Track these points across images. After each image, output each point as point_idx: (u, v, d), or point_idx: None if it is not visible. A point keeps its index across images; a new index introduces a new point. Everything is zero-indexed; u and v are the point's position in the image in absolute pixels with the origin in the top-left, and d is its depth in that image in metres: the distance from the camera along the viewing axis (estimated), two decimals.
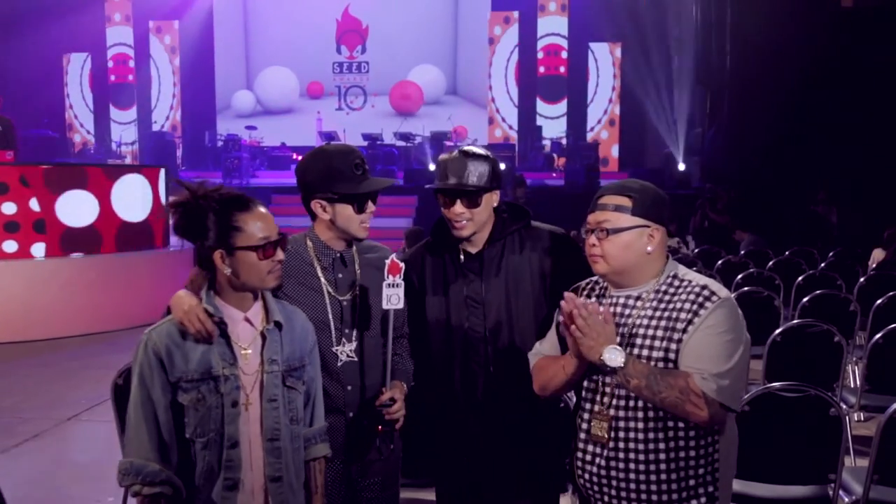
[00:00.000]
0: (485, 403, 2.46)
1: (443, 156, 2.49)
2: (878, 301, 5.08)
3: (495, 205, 2.47)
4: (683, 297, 2.01)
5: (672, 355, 1.97)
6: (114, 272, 8.60)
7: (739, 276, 6.40)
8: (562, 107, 17.46)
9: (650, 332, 2.02)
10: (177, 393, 1.95)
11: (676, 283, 2.06)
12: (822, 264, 7.52)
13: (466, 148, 2.48)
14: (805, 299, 5.24)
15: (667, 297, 2.04)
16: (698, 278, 2.06)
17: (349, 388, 2.38)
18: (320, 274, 2.39)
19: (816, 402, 2.88)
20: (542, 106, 17.51)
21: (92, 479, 4.44)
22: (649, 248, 2.04)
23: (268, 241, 1.97)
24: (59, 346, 7.70)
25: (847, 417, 3.54)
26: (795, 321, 4.49)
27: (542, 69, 17.56)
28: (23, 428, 5.24)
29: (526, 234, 2.51)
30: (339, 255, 2.42)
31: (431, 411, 2.53)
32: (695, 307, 1.98)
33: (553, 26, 17.45)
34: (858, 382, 4.67)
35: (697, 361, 1.94)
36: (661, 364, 1.98)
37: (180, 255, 9.36)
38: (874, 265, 7.38)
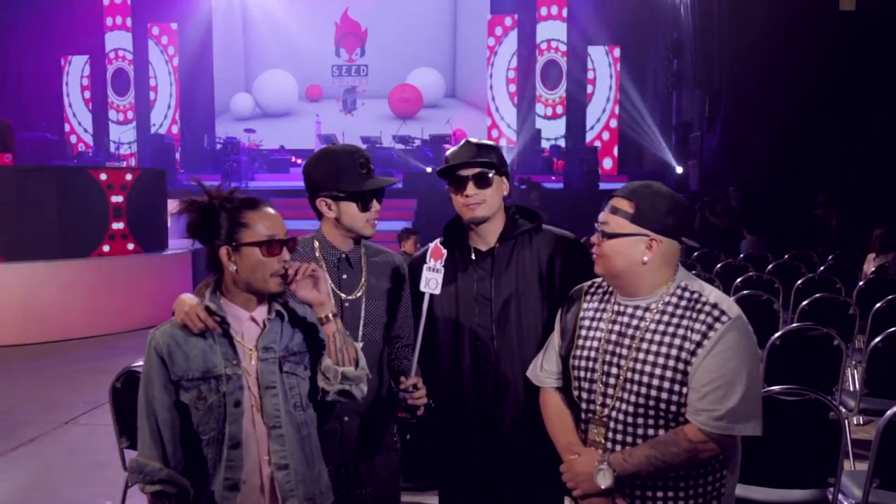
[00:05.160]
0: (494, 402, 2.46)
1: (449, 149, 2.52)
2: (878, 305, 5.09)
3: (505, 193, 2.49)
4: (693, 315, 1.96)
5: (679, 376, 1.93)
6: (113, 275, 8.61)
7: (739, 280, 6.41)
8: (561, 92, 17.41)
9: (655, 347, 1.98)
10: (179, 392, 1.97)
11: (687, 295, 2.00)
12: (822, 268, 7.52)
13: (471, 139, 2.54)
14: (804, 303, 5.24)
15: (678, 312, 1.99)
16: (710, 294, 2.00)
17: None
18: (325, 273, 2.39)
19: (816, 406, 2.87)
20: (541, 91, 17.48)
21: (90, 482, 4.42)
22: (645, 259, 1.98)
23: (272, 239, 2.00)
24: (58, 349, 7.69)
25: (846, 421, 3.53)
26: (795, 325, 4.48)
27: (541, 58, 17.47)
28: (21, 431, 5.23)
29: (537, 236, 2.51)
30: (344, 255, 2.43)
31: (439, 410, 2.52)
32: (704, 328, 1.93)
33: (552, 30, 17.44)
34: (858, 386, 4.66)
35: (703, 400, 1.91)
36: (667, 384, 1.94)
37: (179, 258, 9.36)
38: (873, 270, 7.37)
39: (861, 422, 4.99)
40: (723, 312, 1.94)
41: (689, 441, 1.91)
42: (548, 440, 2.22)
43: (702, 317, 1.95)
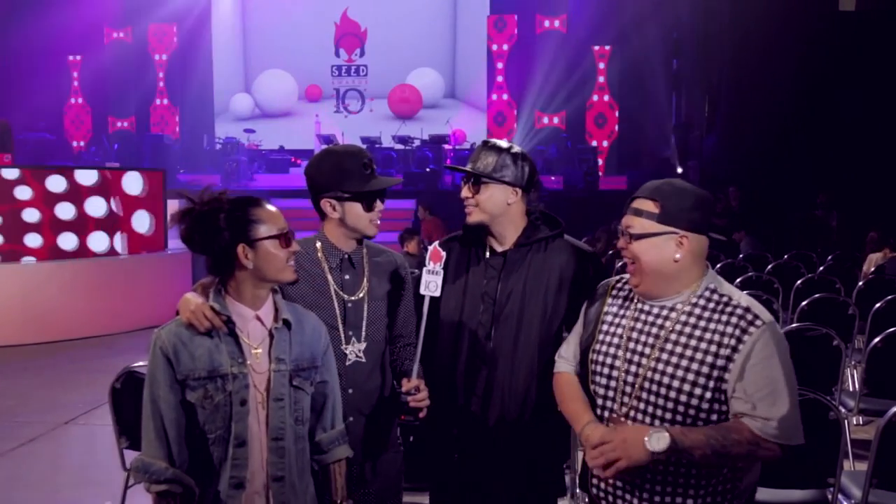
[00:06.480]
0: (482, 400, 2.46)
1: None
2: (877, 305, 5.09)
3: (510, 202, 2.46)
4: (724, 318, 1.94)
5: (712, 382, 1.90)
6: (112, 275, 8.60)
7: (738, 280, 6.40)
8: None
9: (680, 348, 1.95)
10: (185, 391, 1.98)
11: (716, 297, 1.98)
12: (821, 268, 7.52)
13: (489, 139, 2.56)
14: (804, 303, 5.24)
15: (706, 314, 1.96)
16: (740, 297, 1.98)
17: (350, 391, 2.37)
18: (328, 274, 2.40)
19: (815, 406, 2.87)
20: (540, 82, 17.34)
21: (89, 483, 4.42)
22: (677, 256, 1.96)
23: (285, 231, 2.04)
24: (57, 349, 7.69)
25: (846, 421, 3.54)
26: (794, 325, 4.49)
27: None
28: (19, 432, 5.23)
29: (554, 245, 2.50)
30: (346, 255, 2.44)
31: (432, 403, 2.52)
32: (738, 332, 1.90)
33: (552, 37, 17.33)
34: (857, 386, 4.67)
35: (755, 409, 1.88)
36: (687, 386, 1.91)
37: (178, 258, 9.35)
38: (873, 270, 7.38)
39: (861, 422, 4.99)
40: (756, 316, 1.92)
41: (752, 434, 1.87)
42: (537, 443, 2.20)
43: (734, 320, 1.92)
